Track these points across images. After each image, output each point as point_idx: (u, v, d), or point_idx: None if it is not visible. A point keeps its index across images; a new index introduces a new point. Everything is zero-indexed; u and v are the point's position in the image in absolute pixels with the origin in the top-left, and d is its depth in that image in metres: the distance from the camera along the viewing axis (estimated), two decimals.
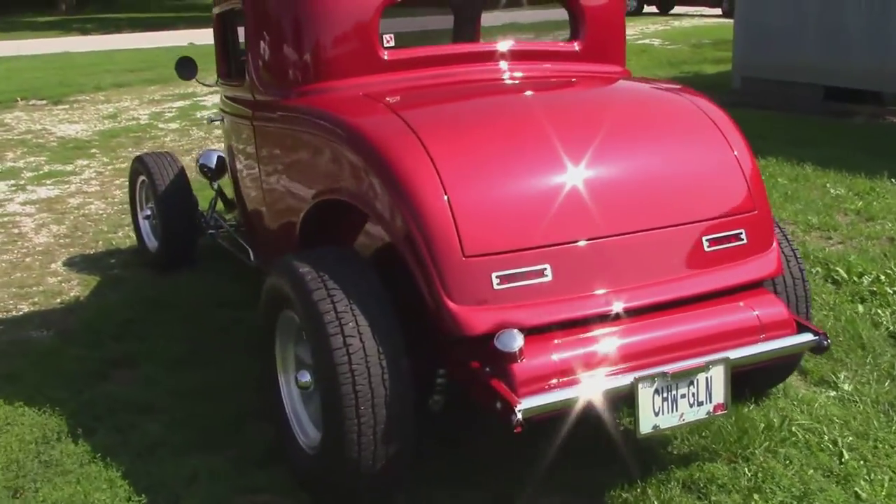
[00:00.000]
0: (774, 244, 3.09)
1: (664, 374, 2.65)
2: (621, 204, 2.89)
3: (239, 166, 4.09)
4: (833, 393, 3.58)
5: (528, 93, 3.42)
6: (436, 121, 2.95)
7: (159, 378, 3.93)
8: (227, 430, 3.45)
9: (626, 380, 2.63)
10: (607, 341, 2.70)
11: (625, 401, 2.94)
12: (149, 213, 5.53)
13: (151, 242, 5.57)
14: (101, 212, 6.96)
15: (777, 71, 10.38)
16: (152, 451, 3.33)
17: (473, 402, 2.73)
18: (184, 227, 5.29)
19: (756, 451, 3.13)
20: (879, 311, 4.31)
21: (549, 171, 2.87)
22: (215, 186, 5.60)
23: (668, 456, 3.16)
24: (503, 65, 3.50)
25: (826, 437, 3.24)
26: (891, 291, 4.53)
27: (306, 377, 2.95)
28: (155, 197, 5.24)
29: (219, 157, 5.58)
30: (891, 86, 9.71)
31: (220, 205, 5.40)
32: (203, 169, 5.48)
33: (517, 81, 3.47)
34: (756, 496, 2.87)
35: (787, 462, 3.09)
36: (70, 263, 5.69)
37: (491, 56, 3.51)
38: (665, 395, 2.66)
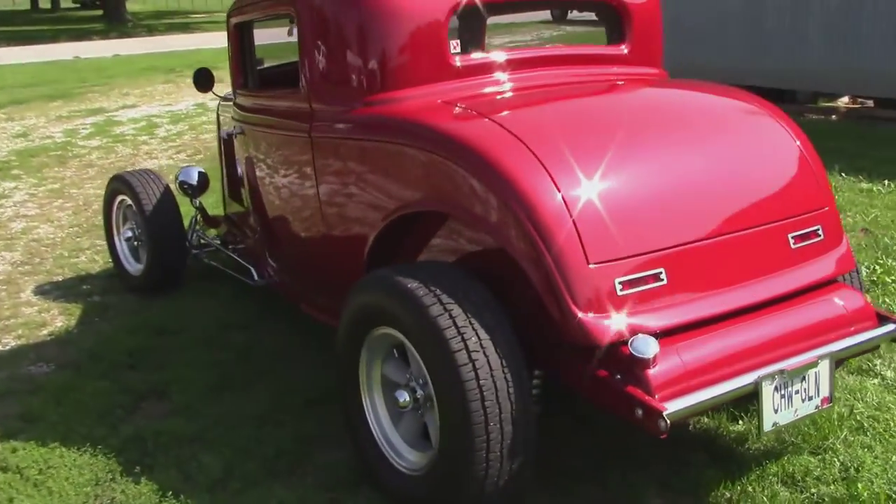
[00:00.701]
0: (845, 239, 3.17)
1: (782, 372, 2.68)
2: (720, 205, 2.91)
3: (274, 182, 3.90)
4: (877, 381, 3.70)
5: (609, 96, 3.41)
6: (537, 127, 2.90)
7: (197, 407, 3.72)
8: (296, 456, 3.30)
9: (749, 378, 2.65)
10: (724, 341, 2.72)
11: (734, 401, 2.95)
12: (129, 234, 5.25)
13: (132, 266, 5.29)
14: (51, 236, 6.57)
15: (699, 71, 10.72)
16: (224, 484, 3.15)
17: (603, 409, 2.70)
18: (175, 247, 5.06)
19: (836, 442, 3.20)
20: (887, 299, 4.49)
21: (654, 173, 2.88)
22: (196, 204, 5.39)
23: (754, 452, 3.20)
24: (565, 69, 3.48)
25: (892, 423, 3.34)
26: (889, 280, 4.73)
27: (404, 396, 2.86)
28: (142, 217, 4.98)
29: (199, 174, 5.37)
30: (805, 85, 10.20)
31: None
32: (183, 186, 5.27)
33: (586, 85, 3.47)
34: (859, 485, 2.93)
35: (868, 449, 3.17)
36: (41, 292, 5.34)
37: (551, 61, 3.49)
38: (783, 391, 2.70)
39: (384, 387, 3.05)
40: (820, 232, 3.07)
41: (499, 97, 3.26)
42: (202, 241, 5.34)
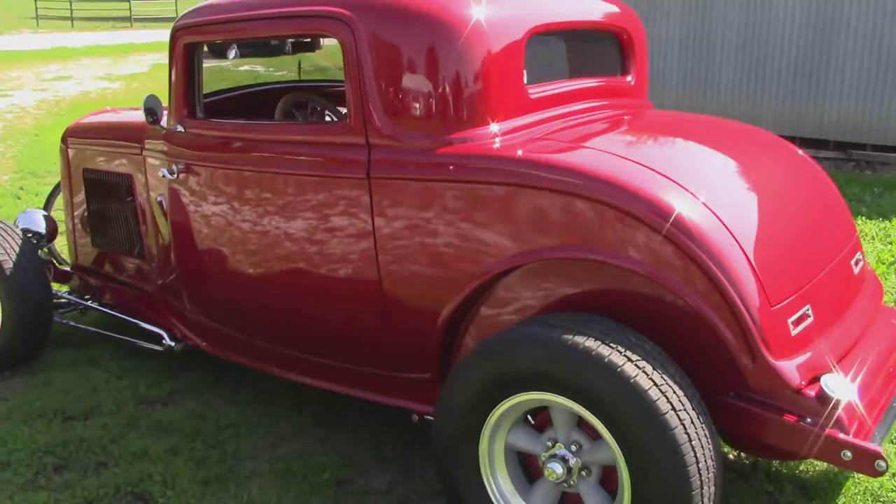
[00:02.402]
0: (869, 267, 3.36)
1: None
2: (820, 236, 2.96)
3: (260, 226, 3.23)
4: None
5: (688, 130, 3.29)
6: (681, 168, 2.70)
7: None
8: None
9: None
10: (868, 368, 2.75)
11: None
12: None
13: None
14: None
15: None
16: None
17: (783, 455, 2.60)
18: (43, 309, 4.13)
19: None
20: None
21: (777, 209, 2.84)
22: (44, 254, 4.50)
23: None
24: (604, 101, 3.31)
25: None
26: None
27: (558, 467, 2.55)
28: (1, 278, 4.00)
29: (46, 218, 4.49)
30: None
31: None
32: (27, 234, 4.37)
33: (652, 119, 3.36)
34: None
35: None
36: None
37: (594, 93, 3.30)
38: None
39: (508, 460, 2.69)
40: (860, 257, 3.22)
41: (601, 133, 3.02)
42: (61, 298, 4.44)
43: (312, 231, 3.08)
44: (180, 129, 3.47)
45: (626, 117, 3.29)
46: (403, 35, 2.82)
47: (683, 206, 2.50)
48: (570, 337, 2.44)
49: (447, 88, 2.77)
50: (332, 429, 3.59)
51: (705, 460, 2.36)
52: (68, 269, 4.68)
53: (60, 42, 25.69)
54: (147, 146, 3.81)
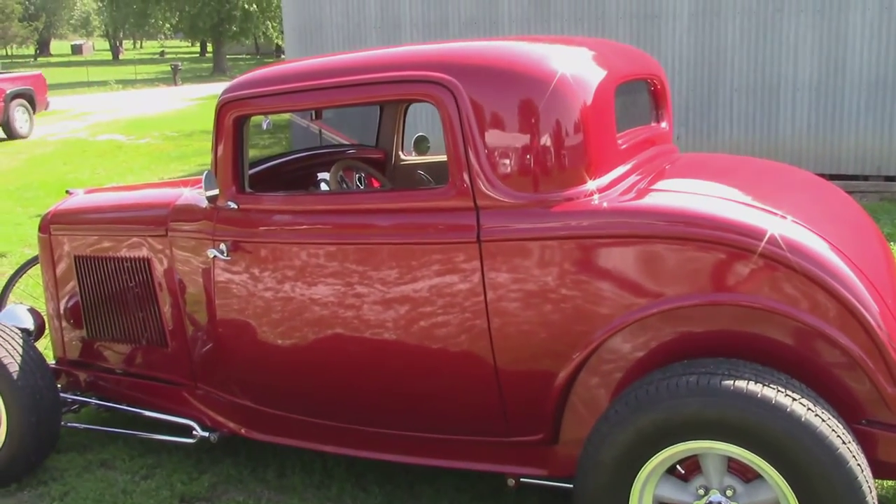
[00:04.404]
0: None
1: None
2: (880, 260, 3.08)
3: (342, 301, 3.10)
4: None
5: (754, 174, 3.40)
6: (773, 202, 2.80)
7: None
8: None
9: None
10: None
11: None
12: None
13: None
14: None
15: None
16: None
17: None
18: (53, 415, 3.79)
19: None
20: None
21: (859, 238, 2.99)
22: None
23: None
24: (653, 150, 3.41)
25: None
26: None
27: None
28: (5, 381, 3.64)
29: (32, 312, 4.18)
30: None
31: None
32: (25, 333, 4.04)
33: (694, 162, 3.46)
34: None
35: None
36: None
37: (649, 141, 3.39)
38: None
39: None
40: None
41: (691, 179, 3.11)
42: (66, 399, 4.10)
43: (413, 302, 2.99)
44: (233, 205, 3.30)
45: (687, 162, 3.40)
46: (504, 95, 2.81)
47: (810, 241, 2.61)
48: (732, 382, 2.48)
49: (552, 145, 2.79)
50: None
51: (871, 491, 2.45)
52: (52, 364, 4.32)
53: None
54: (176, 227, 3.59)
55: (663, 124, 3.70)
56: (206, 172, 3.30)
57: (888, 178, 9.02)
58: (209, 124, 18.45)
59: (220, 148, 3.32)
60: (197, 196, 3.62)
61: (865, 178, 9.09)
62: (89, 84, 35.19)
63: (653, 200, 2.83)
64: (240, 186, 3.32)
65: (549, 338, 2.84)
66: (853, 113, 9.04)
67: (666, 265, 2.68)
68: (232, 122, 3.27)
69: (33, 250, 7.86)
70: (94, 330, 4.09)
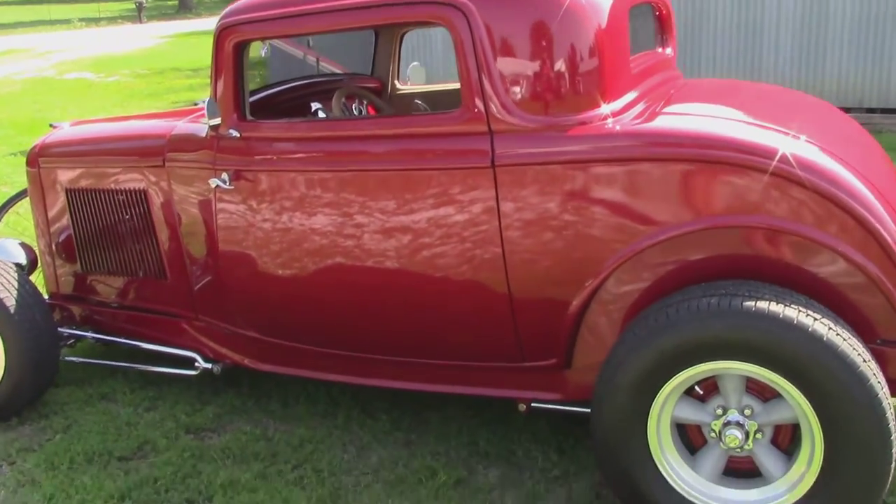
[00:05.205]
0: None
1: None
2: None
3: (342, 228, 3.05)
4: None
5: (761, 94, 3.37)
6: (800, 126, 2.78)
7: None
8: None
9: None
10: None
11: None
12: None
13: None
14: None
15: None
16: None
17: None
18: (52, 349, 3.73)
19: None
20: None
21: (870, 159, 2.99)
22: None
23: None
24: (665, 73, 3.36)
25: None
26: None
27: (739, 434, 2.60)
28: (2, 316, 3.57)
29: (24, 247, 4.10)
30: None
31: None
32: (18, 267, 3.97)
33: (705, 87, 3.42)
34: None
35: None
36: None
37: (658, 66, 3.34)
38: None
39: (673, 434, 2.70)
40: None
41: (706, 103, 3.08)
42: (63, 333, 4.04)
43: (424, 229, 2.94)
44: (235, 133, 3.22)
45: (695, 87, 3.36)
46: (518, 18, 2.74)
47: (825, 160, 2.60)
48: (753, 303, 2.48)
49: (567, 68, 2.73)
50: (412, 430, 3.47)
51: (890, 408, 2.47)
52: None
53: None
54: (174, 157, 3.51)
55: (668, 50, 3.65)
56: (207, 100, 3.21)
57: (869, 110, 9.05)
58: (179, 62, 18.40)
59: (220, 75, 3.22)
60: (194, 126, 3.54)
61: (847, 110, 9.10)
62: (52, 22, 34.29)
63: (668, 123, 2.80)
64: (241, 114, 3.24)
65: (564, 263, 2.82)
66: (836, 48, 9.02)
67: (683, 188, 2.65)
68: (232, 48, 3.17)
69: (10, 188, 7.71)
70: (89, 263, 4.02)
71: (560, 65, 2.74)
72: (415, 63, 4.38)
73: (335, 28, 3.05)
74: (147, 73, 17.33)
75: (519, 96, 2.76)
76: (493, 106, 2.77)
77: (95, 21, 34.98)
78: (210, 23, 30.73)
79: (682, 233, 2.69)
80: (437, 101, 4.27)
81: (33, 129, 10.95)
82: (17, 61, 20.45)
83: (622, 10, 2.89)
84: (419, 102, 4.33)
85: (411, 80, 4.27)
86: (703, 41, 9.40)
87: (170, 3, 43.28)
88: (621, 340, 2.67)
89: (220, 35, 3.19)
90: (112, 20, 35.67)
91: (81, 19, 35.11)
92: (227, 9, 3.24)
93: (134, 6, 36.06)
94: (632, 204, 2.71)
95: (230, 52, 3.18)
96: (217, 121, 3.22)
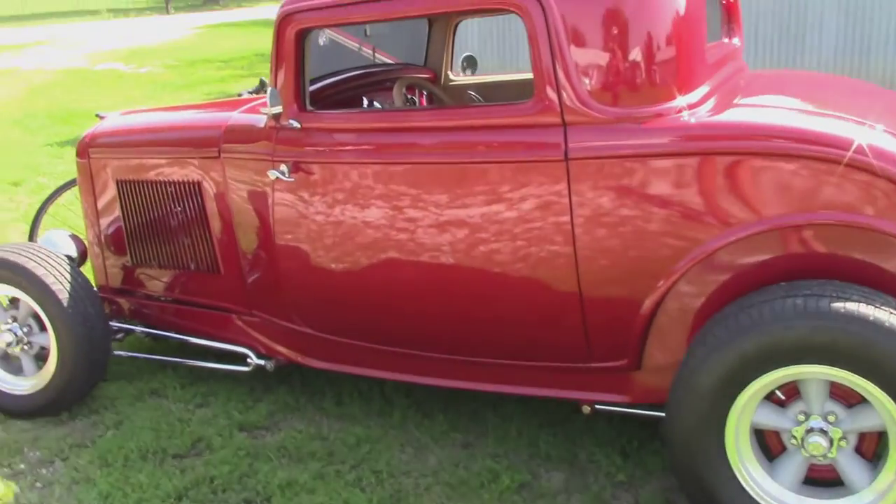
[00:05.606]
0: None
1: None
2: None
3: (418, 223, 2.95)
4: None
5: (825, 84, 3.28)
6: (875, 116, 2.68)
7: None
8: None
9: None
10: None
11: None
12: (11, 338, 3.70)
13: (10, 382, 3.73)
14: None
15: None
16: None
17: None
18: (104, 344, 3.68)
19: None
20: None
21: None
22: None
23: None
24: (736, 63, 3.26)
25: None
26: None
27: (824, 441, 2.49)
28: (56, 309, 3.53)
29: (74, 238, 4.06)
30: None
31: None
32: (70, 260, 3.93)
33: (772, 79, 3.33)
34: None
35: None
36: None
37: (733, 55, 3.25)
38: None
39: (752, 441, 2.61)
40: None
41: (786, 97, 2.98)
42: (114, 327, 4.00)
43: (493, 223, 2.86)
44: (295, 124, 3.15)
45: (765, 78, 3.26)
46: (594, 6, 2.64)
47: None
48: (842, 304, 2.37)
49: (643, 58, 2.64)
50: (470, 431, 3.40)
51: None
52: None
53: None
54: (230, 148, 3.45)
55: (735, 40, 3.54)
56: (270, 89, 3.14)
57: None
58: (210, 53, 18.37)
59: (281, 64, 3.15)
60: (250, 117, 3.47)
61: None
62: (80, 13, 34.45)
63: (744, 116, 2.70)
64: (301, 104, 3.17)
65: (638, 261, 2.72)
66: (882, 37, 8.85)
67: (762, 183, 2.55)
68: (294, 36, 3.09)
69: (49, 179, 7.71)
70: (139, 256, 3.97)
71: (636, 54, 2.64)
72: (468, 53, 4.30)
73: (403, 14, 2.96)
74: (178, 64, 17.31)
75: (593, 87, 2.67)
76: (566, 96, 2.68)
77: (124, 12, 35.10)
78: (237, 15, 30.78)
79: (759, 230, 2.58)
80: (492, 93, 4.18)
81: (68, 120, 10.97)
82: (48, 51, 20.54)
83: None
84: (472, 94, 4.24)
85: (468, 71, 4.19)
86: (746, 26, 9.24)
87: None
88: (700, 342, 2.57)
89: (282, 23, 3.11)
90: (140, 11, 35.78)
91: (110, 10, 35.24)
92: None
93: None
94: (708, 200, 2.61)
95: (291, 40, 3.10)
96: (279, 110, 3.14)
